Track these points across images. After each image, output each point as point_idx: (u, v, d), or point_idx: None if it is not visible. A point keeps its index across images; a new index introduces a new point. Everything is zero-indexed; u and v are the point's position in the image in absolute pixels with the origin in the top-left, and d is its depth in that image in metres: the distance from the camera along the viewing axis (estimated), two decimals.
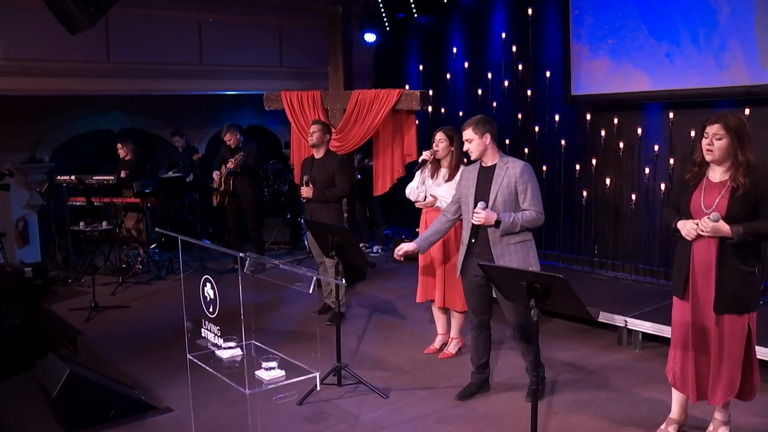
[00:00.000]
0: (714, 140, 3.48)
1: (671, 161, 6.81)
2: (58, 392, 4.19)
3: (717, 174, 3.57)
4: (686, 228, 3.56)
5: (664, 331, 5.07)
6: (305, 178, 6.12)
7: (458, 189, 4.51)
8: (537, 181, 4.33)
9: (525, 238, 4.30)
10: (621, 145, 7.21)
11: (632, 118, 7.21)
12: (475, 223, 4.21)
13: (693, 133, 6.59)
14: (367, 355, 5.43)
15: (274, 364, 3.26)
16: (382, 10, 9.47)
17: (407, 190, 5.44)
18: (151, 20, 8.47)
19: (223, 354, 3.50)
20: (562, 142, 7.60)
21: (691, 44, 6.62)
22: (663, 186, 6.84)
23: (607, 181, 7.27)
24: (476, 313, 4.47)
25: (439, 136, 5.13)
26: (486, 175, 4.32)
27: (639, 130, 7.08)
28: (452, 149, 5.12)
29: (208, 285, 3.37)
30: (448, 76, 9.01)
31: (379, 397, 4.60)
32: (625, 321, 5.40)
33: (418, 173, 5.37)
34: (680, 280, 3.69)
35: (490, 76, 8.46)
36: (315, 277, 3.18)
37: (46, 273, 7.84)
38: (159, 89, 8.75)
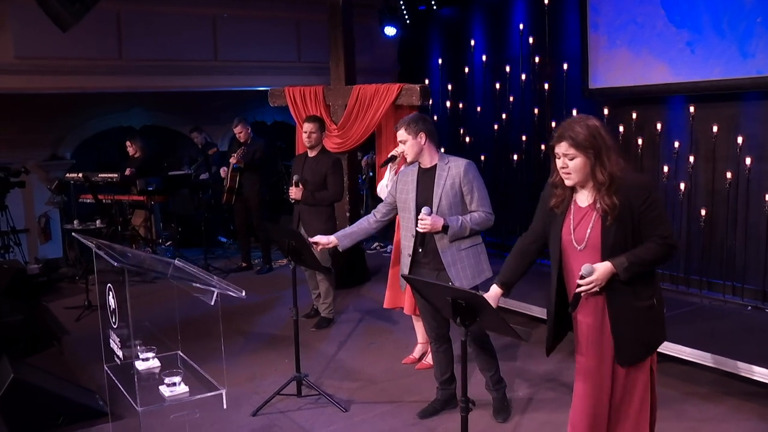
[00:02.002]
0: (567, 161, 2.81)
1: (691, 159, 6.29)
2: (2, 397, 4.10)
3: (584, 196, 2.90)
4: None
5: (667, 348, 4.63)
6: (295, 177, 5.82)
7: (391, 192, 4.20)
8: (482, 180, 3.99)
9: (475, 242, 4.00)
10: (639, 141, 6.72)
11: (651, 113, 6.71)
12: (421, 230, 3.90)
13: (716, 129, 6.11)
14: (342, 363, 5.18)
15: (177, 379, 3.05)
16: (402, 2, 9.16)
17: (378, 189, 5.16)
18: (164, 16, 8.43)
19: (140, 365, 3.32)
20: None
21: (713, 32, 6.08)
22: (683, 186, 6.34)
23: None
24: (432, 327, 4.17)
25: None
26: (426, 178, 4.00)
27: (658, 126, 6.58)
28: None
29: (110, 294, 3.17)
30: (467, 69, 8.64)
31: (337, 410, 4.35)
32: None
33: (387, 171, 5.07)
34: (551, 335, 3.08)
35: (508, 69, 8.06)
36: (216, 291, 2.95)
37: (57, 269, 7.92)
38: (172, 86, 8.71)
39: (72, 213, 8.06)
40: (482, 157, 8.31)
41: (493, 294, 3.16)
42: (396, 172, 4.90)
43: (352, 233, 4.23)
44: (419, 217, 3.88)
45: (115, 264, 2.95)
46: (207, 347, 5.52)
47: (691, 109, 6.30)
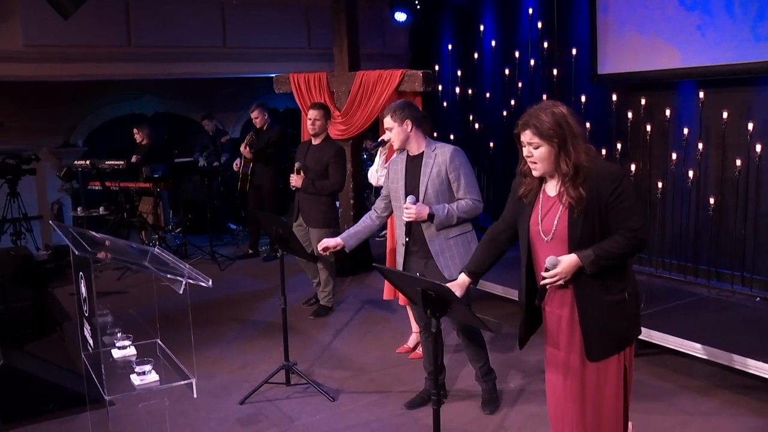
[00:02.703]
0: (532, 150, 2.70)
1: (700, 146, 6.12)
2: None
3: (553, 186, 2.78)
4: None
5: (653, 337, 4.53)
6: (297, 165, 5.74)
7: (386, 183, 4.13)
8: (470, 166, 3.91)
9: (464, 230, 3.92)
10: (648, 128, 6.55)
11: (661, 99, 6.54)
12: (406, 219, 3.84)
13: (726, 115, 5.93)
14: (336, 352, 5.16)
15: (148, 367, 3.04)
16: None
17: (369, 174, 5.10)
18: (173, 3, 8.43)
19: (116, 354, 3.31)
20: (587, 125, 7.00)
21: (724, 13, 5.89)
22: (691, 173, 6.18)
23: (633, 167, 6.65)
24: (421, 317, 4.12)
25: None
26: (414, 166, 3.93)
27: (668, 112, 6.40)
28: None
29: (82, 282, 3.16)
30: (476, 55, 8.52)
31: (325, 399, 4.32)
32: None
33: (377, 156, 5.01)
34: (522, 327, 3.00)
35: (517, 55, 7.91)
36: (184, 281, 2.92)
37: (66, 256, 7.99)
38: (181, 73, 8.72)
39: (81, 200, 8.14)
40: (491, 144, 8.21)
41: (460, 282, 3.07)
42: (387, 158, 4.85)
43: (356, 233, 4.12)
44: (404, 206, 3.82)
45: (77, 253, 2.92)
46: (204, 334, 5.58)
47: (701, 94, 6.12)
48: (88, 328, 3.19)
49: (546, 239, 2.78)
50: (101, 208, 7.36)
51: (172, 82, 9.47)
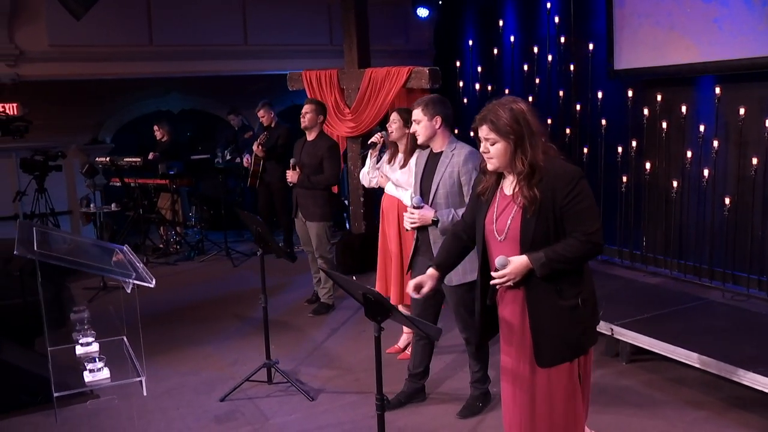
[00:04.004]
0: (488, 146, 2.65)
1: (715, 144, 5.88)
2: None
3: (509, 184, 2.72)
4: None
5: (640, 341, 4.38)
6: (292, 161, 5.79)
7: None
8: None
9: None
10: (664, 125, 6.33)
11: (677, 95, 6.31)
12: (408, 227, 3.82)
13: (743, 111, 5.69)
14: (327, 351, 5.13)
15: (100, 365, 3.07)
16: None
17: (360, 176, 5.06)
18: (193, 2, 8.53)
19: (80, 350, 3.36)
20: (603, 121, 6.81)
21: (742, 4, 5.64)
22: (706, 172, 5.94)
23: (648, 165, 6.43)
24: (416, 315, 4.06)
25: (393, 116, 4.68)
26: (432, 164, 3.84)
27: (684, 108, 6.17)
28: (407, 132, 4.64)
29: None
30: (495, 51, 8.36)
31: (304, 399, 4.31)
32: (611, 329, 4.68)
33: (368, 158, 4.96)
34: (479, 327, 2.97)
35: (536, 50, 7.74)
36: (131, 281, 2.94)
37: None
38: (202, 70, 8.83)
39: (101, 196, 8.31)
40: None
41: (428, 275, 3.00)
42: (389, 160, 4.79)
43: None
44: (407, 212, 3.79)
45: (27, 256, 2.96)
46: (202, 330, 5.65)
47: (717, 90, 5.87)
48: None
49: (499, 239, 2.71)
50: (113, 205, 7.50)
51: (197, 79, 9.59)
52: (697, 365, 4.09)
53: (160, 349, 5.24)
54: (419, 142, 3.96)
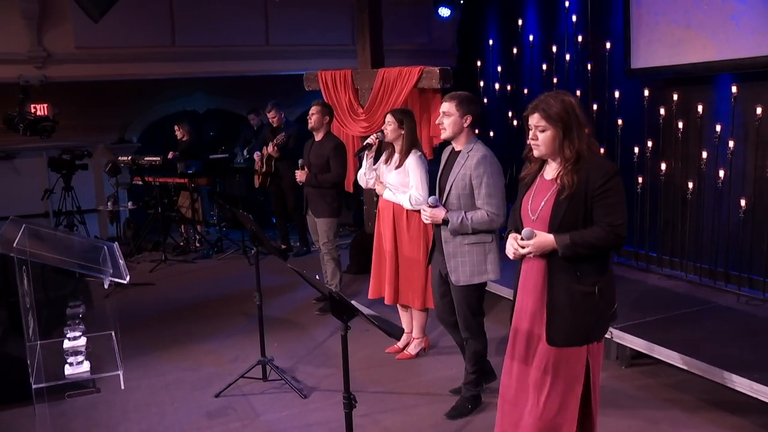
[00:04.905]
0: (537, 133, 2.81)
1: (731, 144, 5.72)
2: None
3: (551, 170, 2.88)
4: (507, 247, 2.91)
5: (636, 344, 4.29)
6: (300, 161, 5.92)
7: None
8: (498, 175, 3.74)
9: (483, 240, 3.78)
10: (680, 124, 6.19)
11: (693, 94, 6.16)
12: (425, 221, 3.90)
13: (760, 111, 5.53)
14: (326, 349, 5.16)
15: (81, 358, 3.14)
16: None
17: (358, 177, 5.08)
18: (215, 3, 8.65)
19: (67, 344, 3.45)
20: (619, 121, 6.69)
21: (760, 1, 5.49)
22: (722, 173, 5.78)
23: (663, 166, 6.29)
24: (437, 312, 4.12)
25: (388, 118, 4.68)
26: (451, 162, 3.86)
27: (700, 108, 6.02)
28: (402, 132, 4.63)
29: (25, 276, 3.30)
30: (515, 50, 8.28)
31: (297, 396, 4.34)
32: (611, 332, 4.59)
33: (364, 159, 4.96)
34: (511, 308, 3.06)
35: (554, 49, 7.64)
36: (107, 278, 3.01)
37: None
38: (224, 71, 8.95)
39: (126, 194, 8.49)
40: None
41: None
42: (385, 161, 4.80)
43: None
44: (422, 207, 3.90)
45: (6, 253, 3.05)
46: (207, 327, 5.73)
47: (734, 89, 5.71)
48: (31, 319, 3.32)
49: (532, 218, 2.87)
50: (129, 203, 7.66)
51: (222, 79, 9.72)
52: (692, 370, 3.99)
53: (165, 344, 5.35)
54: (443, 136, 3.91)
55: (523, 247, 2.78)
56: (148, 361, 5.05)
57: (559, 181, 2.77)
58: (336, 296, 2.75)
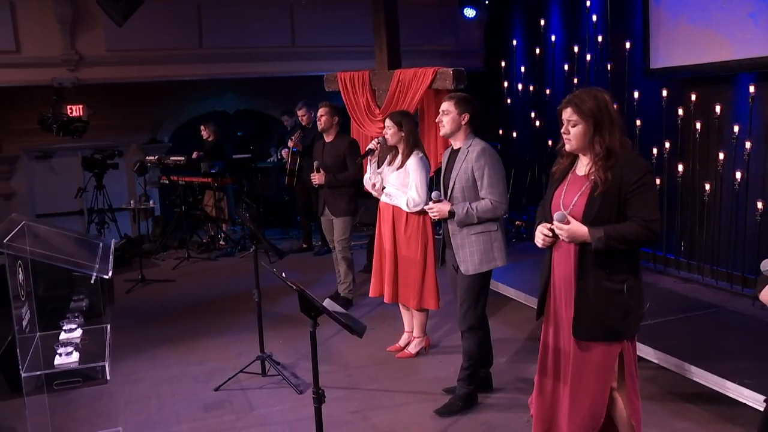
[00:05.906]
0: (569, 127, 2.84)
1: (747, 145, 5.60)
2: (1, 356, 4.58)
3: (583, 166, 2.91)
4: (536, 234, 2.94)
5: (647, 353, 4.23)
6: (315, 164, 6.00)
7: None
8: (498, 166, 3.88)
9: (488, 229, 3.91)
10: (698, 125, 6.08)
11: (711, 94, 6.06)
12: (433, 217, 4.03)
13: None
14: (329, 347, 5.22)
15: (71, 349, 3.27)
16: None
17: (364, 181, 5.14)
18: (242, 5, 8.81)
19: (63, 336, 3.58)
20: (638, 122, 6.60)
21: None
22: (739, 175, 5.67)
23: (680, 167, 6.19)
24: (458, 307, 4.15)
25: (387, 122, 4.72)
26: (452, 160, 4.00)
27: (718, 108, 5.91)
28: (402, 134, 4.67)
29: (20, 269, 3.43)
30: (538, 51, 8.23)
31: (293, 392, 4.41)
32: None
33: (368, 164, 5.03)
34: (540, 299, 3.08)
35: (576, 50, 7.58)
36: (93, 274, 3.13)
37: (140, 245, 8.59)
38: (250, 72, 9.10)
39: (158, 193, 8.71)
40: (549, 142, 7.91)
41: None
42: (389, 163, 4.84)
43: None
44: (427, 206, 4.00)
45: None
46: (218, 323, 5.86)
47: (752, 89, 5.60)
48: (26, 312, 3.45)
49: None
50: (150, 202, 7.86)
51: (251, 80, 9.89)
52: (689, 376, 3.93)
53: (176, 338, 5.49)
54: (442, 132, 4.04)
55: (553, 232, 2.82)
56: (157, 354, 5.19)
57: (592, 177, 2.79)
58: (303, 293, 2.82)
